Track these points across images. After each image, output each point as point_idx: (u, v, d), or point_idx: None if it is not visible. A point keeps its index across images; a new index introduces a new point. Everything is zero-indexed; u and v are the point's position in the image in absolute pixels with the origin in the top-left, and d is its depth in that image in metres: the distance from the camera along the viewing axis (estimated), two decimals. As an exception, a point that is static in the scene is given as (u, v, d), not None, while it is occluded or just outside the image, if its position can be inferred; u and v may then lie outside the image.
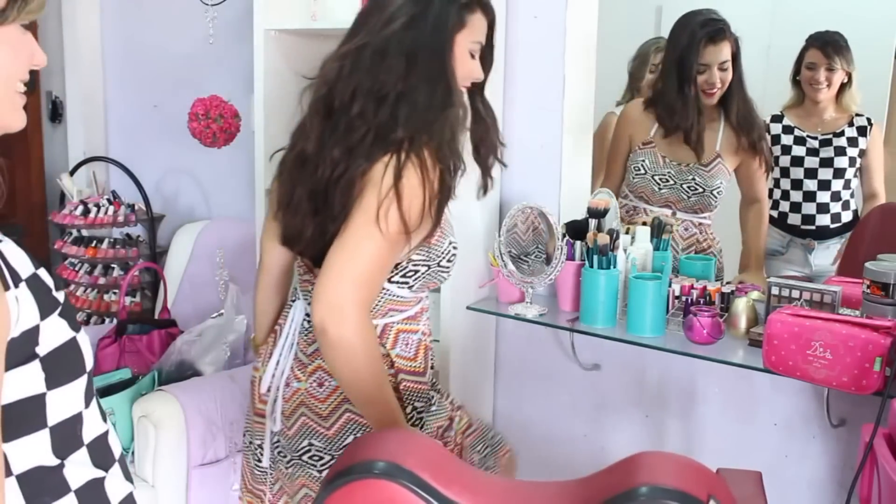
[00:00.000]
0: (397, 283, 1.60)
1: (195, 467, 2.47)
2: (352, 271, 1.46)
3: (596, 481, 0.99)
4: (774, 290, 2.00)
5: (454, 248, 1.65)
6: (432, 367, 1.74)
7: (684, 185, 2.49)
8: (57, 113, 3.46)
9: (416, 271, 1.60)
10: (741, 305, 2.06)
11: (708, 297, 2.15)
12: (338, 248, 1.48)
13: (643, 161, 2.52)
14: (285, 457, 1.68)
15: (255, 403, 1.74)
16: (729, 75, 2.43)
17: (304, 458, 1.63)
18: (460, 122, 1.60)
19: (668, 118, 2.47)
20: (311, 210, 1.59)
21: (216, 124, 2.73)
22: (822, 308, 1.91)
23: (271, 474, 1.74)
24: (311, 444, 1.63)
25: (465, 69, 1.61)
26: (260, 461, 1.75)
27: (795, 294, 1.97)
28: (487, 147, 1.71)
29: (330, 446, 1.61)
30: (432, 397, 1.68)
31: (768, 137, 2.63)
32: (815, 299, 1.94)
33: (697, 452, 2.30)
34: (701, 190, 2.49)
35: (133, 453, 2.42)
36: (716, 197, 2.50)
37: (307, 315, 1.65)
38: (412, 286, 1.62)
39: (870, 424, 1.57)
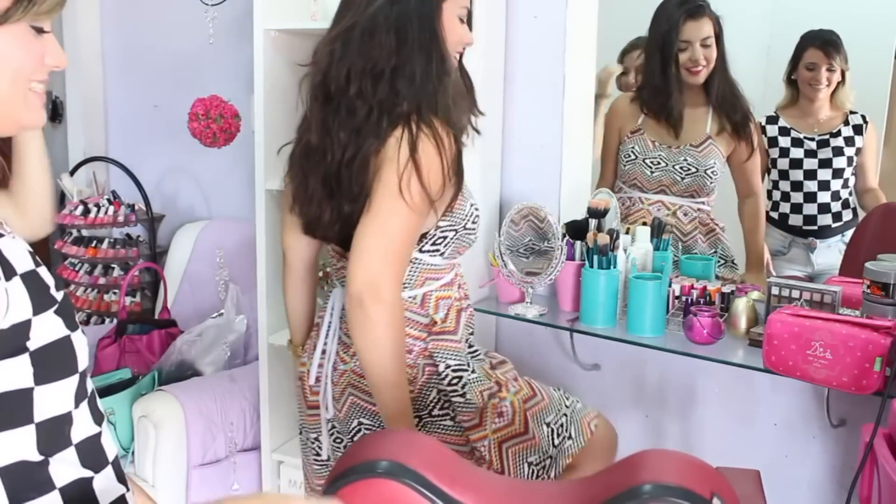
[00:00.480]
0: (429, 251, 1.63)
1: (195, 467, 2.47)
2: (383, 247, 1.49)
3: (599, 480, 0.99)
4: (774, 290, 2.00)
5: (476, 209, 1.68)
6: (471, 333, 1.77)
7: (676, 167, 2.49)
8: (57, 113, 3.46)
9: (445, 237, 1.63)
10: (741, 305, 2.06)
11: (708, 297, 2.16)
12: (366, 226, 1.50)
13: (633, 147, 2.53)
14: (341, 441, 1.70)
15: (307, 397, 1.76)
16: (713, 53, 2.43)
17: (357, 438, 1.65)
18: (457, 87, 1.62)
19: (652, 99, 2.48)
20: (326, 195, 1.62)
21: (216, 124, 2.73)
22: (823, 308, 1.91)
23: (330, 466, 1.74)
24: (360, 423, 1.65)
25: (456, 35, 1.62)
26: (319, 455, 1.76)
27: (795, 294, 1.97)
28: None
29: (378, 423, 1.63)
30: (467, 360, 1.69)
31: (765, 139, 2.63)
32: (815, 299, 1.94)
33: (697, 452, 2.30)
34: (694, 170, 2.48)
35: (133, 453, 2.42)
36: (710, 177, 2.48)
37: None
38: (443, 253, 1.65)
39: (870, 424, 1.58)
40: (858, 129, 2.69)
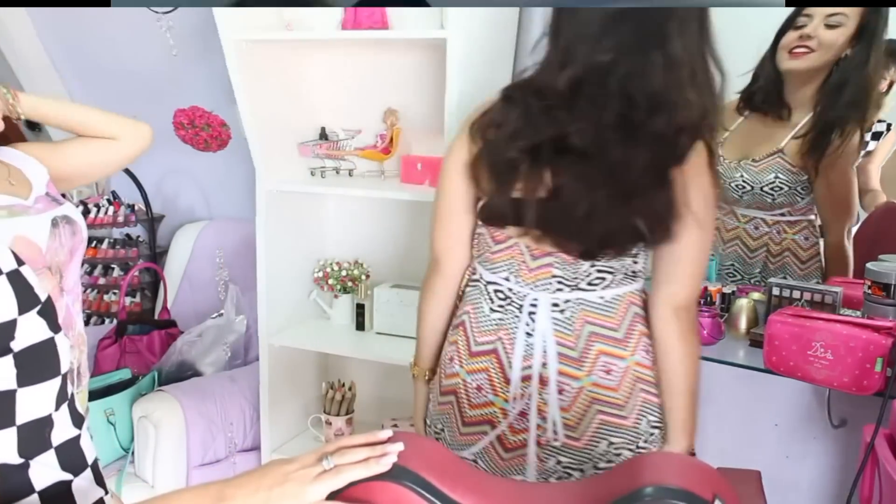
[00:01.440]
0: None
1: (195, 467, 2.47)
2: (701, 271, 1.51)
3: (601, 482, 0.99)
4: (775, 291, 2.00)
5: None
6: None
7: (732, 184, 2.18)
8: (33, 123, 3.36)
9: None
10: (742, 306, 2.06)
11: (708, 298, 2.15)
12: (693, 246, 1.45)
13: None
14: (576, 472, 1.54)
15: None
16: (838, 37, 1.95)
17: (614, 463, 1.52)
18: None
19: (747, 88, 2.16)
20: (612, 207, 1.41)
21: (205, 132, 2.67)
22: (823, 308, 1.91)
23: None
24: (611, 444, 1.52)
25: None
26: None
27: (796, 294, 1.97)
28: None
29: (629, 436, 1.53)
30: None
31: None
32: (815, 300, 1.94)
33: (697, 452, 2.29)
34: (748, 188, 2.15)
35: (133, 453, 2.42)
36: (770, 194, 2.13)
37: (555, 305, 1.50)
38: None
39: (871, 425, 1.58)
40: (877, 136, 2.66)
